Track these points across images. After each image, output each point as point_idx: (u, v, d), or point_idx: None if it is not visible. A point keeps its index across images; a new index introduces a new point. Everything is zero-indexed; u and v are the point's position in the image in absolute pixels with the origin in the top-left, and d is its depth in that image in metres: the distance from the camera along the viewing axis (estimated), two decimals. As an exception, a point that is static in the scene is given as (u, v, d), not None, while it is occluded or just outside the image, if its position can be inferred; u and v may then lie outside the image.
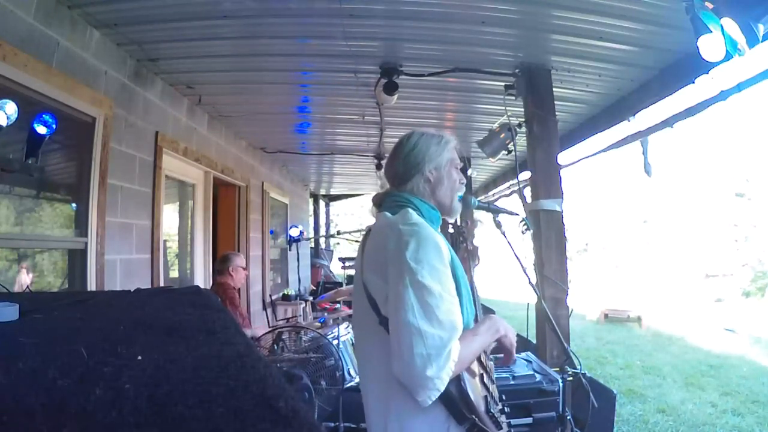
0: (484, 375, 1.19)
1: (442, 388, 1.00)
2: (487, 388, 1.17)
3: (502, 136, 3.27)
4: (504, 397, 1.26)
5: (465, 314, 1.15)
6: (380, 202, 1.33)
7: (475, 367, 1.15)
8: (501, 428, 1.15)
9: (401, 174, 1.29)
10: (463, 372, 1.07)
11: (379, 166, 5.51)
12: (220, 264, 3.37)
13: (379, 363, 1.13)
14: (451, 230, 1.54)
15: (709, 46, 1.77)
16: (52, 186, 2.48)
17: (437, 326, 1.01)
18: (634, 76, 3.07)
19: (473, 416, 1.07)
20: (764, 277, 13.46)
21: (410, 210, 1.20)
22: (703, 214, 16.24)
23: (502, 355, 1.28)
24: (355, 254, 1.46)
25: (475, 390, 1.11)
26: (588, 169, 17.08)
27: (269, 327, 3.39)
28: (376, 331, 1.13)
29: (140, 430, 0.47)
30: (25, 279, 2.25)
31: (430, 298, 1.02)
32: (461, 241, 1.53)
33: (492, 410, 1.14)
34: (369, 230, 1.31)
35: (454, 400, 1.07)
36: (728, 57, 1.77)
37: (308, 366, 2.51)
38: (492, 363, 1.28)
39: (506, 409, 1.23)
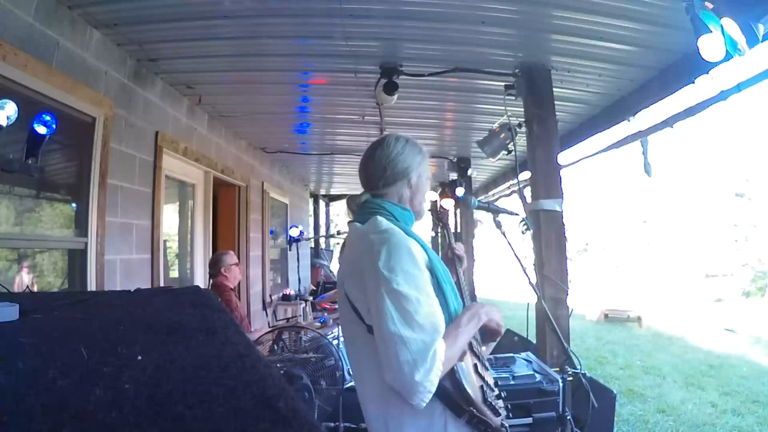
0: (478, 365, 1.19)
1: (433, 390, 1.02)
2: (482, 377, 1.18)
3: (502, 136, 3.28)
4: (499, 383, 1.26)
5: (452, 308, 1.16)
6: (355, 210, 1.32)
7: (468, 357, 1.16)
8: (499, 414, 1.16)
9: (385, 177, 1.27)
10: (457, 365, 1.08)
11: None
12: (212, 267, 3.31)
13: (373, 369, 1.13)
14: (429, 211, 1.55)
15: (709, 46, 1.77)
16: (52, 186, 2.47)
17: (418, 331, 1.02)
18: (634, 76, 3.07)
19: (471, 408, 1.08)
20: (764, 277, 13.46)
21: (379, 217, 1.20)
22: (703, 214, 16.23)
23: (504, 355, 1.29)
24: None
25: (470, 381, 1.11)
26: (588, 169, 17.09)
27: (269, 327, 3.39)
28: (367, 339, 1.13)
29: (140, 430, 0.47)
30: (25, 279, 2.25)
31: (408, 305, 1.04)
32: (436, 223, 1.53)
33: (489, 398, 1.14)
34: (344, 242, 1.33)
35: (451, 394, 1.08)
36: (728, 57, 1.77)
37: (308, 366, 2.51)
38: (484, 349, 1.29)
39: (503, 394, 1.24)
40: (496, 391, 1.21)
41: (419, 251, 1.14)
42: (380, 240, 1.12)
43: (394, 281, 1.06)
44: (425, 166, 1.33)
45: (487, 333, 1.24)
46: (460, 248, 1.56)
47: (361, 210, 1.27)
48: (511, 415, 1.23)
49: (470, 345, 1.19)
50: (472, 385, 1.11)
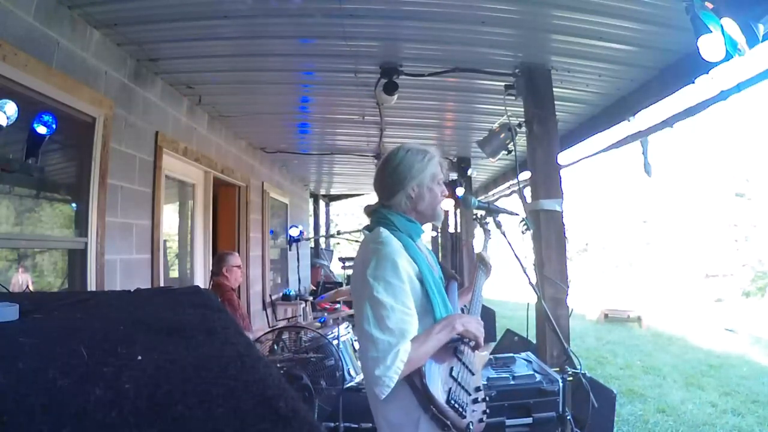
0: (455, 368, 1.26)
1: (392, 385, 1.16)
2: (457, 380, 1.25)
3: (502, 136, 3.27)
4: (482, 387, 1.30)
5: (437, 315, 1.28)
6: (369, 217, 1.46)
7: (447, 360, 1.26)
8: (464, 417, 1.21)
9: (387, 189, 1.40)
10: (426, 365, 1.20)
11: (379, 166, 5.51)
12: (215, 265, 3.32)
13: None
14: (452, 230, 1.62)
15: (709, 46, 1.77)
16: (52, 186, 2.47)
17: (387, 334, 1.18)
18: (634, 76, 3.07)
19: (431, 405, 1.18)
20: (764, 277, 13.45)
21: (382, 228, 1.33)
22: (703, 214, 16.22)
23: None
24: (354, 254, 1.55)
25: (436, 382, 1.20)
26: (588, 169, 17.07)
27: (269, 327, 3.40)
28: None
29: (140, 430, 0.47)
30: (24, 279, 2.25)
31: (383, 311, 1.20)
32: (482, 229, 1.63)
33: (456, 400, 1.20)
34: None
35: (419, 391, 1.20)
36: (728, 57, 1.77)
37: (308, 366, 2.51)
38: (474, 357, 1.34)
39: (486, 398, 1.30)
40: (473, 395, 1.26)
41: (407, 264, 1.27)
42: (374, 250, 1.28)
43: (375, 289, 1.22)
44: (427, 173, 1.40)
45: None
46: (489, 257, 1.65)
47: (371, 219, 1.42)
48: (485, 418, 1.28)
49: (455, 350, 1.29)
50: (436, 386, 1.20)
